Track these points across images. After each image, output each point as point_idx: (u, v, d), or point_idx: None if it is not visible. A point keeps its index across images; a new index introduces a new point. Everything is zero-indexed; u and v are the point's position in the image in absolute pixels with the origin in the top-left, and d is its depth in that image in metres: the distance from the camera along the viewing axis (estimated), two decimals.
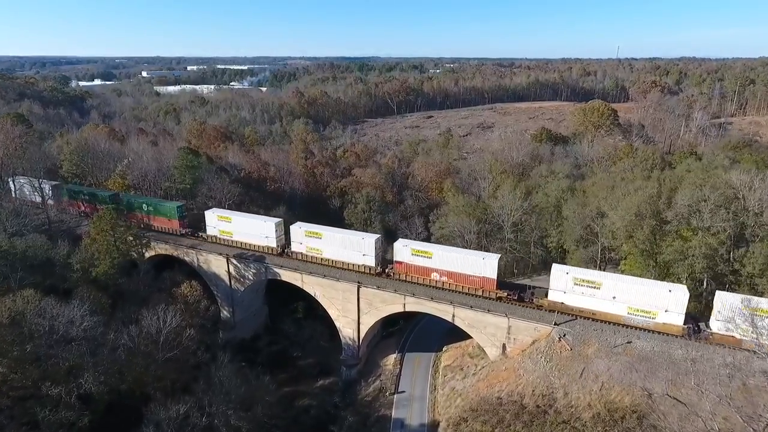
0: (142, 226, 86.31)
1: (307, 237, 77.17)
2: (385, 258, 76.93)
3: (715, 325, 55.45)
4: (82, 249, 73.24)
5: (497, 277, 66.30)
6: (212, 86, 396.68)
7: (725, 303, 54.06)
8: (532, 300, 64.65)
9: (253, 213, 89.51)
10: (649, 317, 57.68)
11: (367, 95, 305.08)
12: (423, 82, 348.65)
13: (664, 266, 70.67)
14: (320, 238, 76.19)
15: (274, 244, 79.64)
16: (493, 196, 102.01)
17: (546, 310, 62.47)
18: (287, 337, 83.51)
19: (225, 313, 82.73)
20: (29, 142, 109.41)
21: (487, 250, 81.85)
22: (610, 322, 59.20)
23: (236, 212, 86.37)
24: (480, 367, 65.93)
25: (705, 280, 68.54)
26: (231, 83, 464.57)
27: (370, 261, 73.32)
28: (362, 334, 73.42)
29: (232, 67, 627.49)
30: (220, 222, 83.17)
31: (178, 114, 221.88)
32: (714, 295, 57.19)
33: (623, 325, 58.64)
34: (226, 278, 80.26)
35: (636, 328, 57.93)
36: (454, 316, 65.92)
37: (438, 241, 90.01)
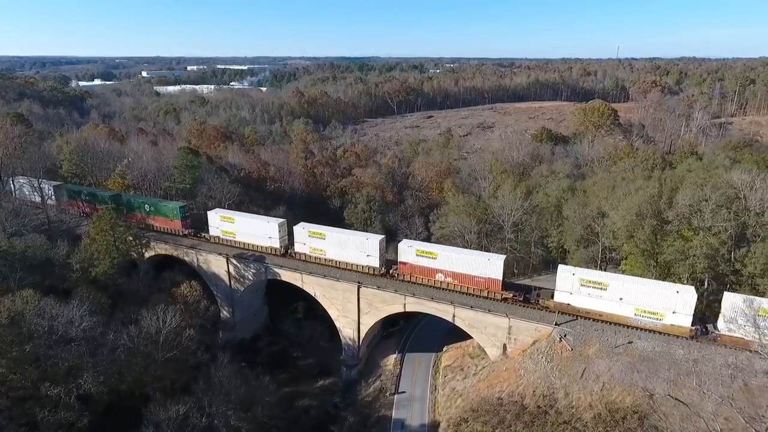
0: (142, 226, 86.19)
1: (310, 237, 76.71)
2: (387, 258, 76.58)
3: (723, 326, 54.77)
4: (81, 249, 73.03)
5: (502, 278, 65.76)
6: (212, 86, 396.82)
7: (734, 304, 53.32)
8: (538, 301, 63.98)
9: (252, 213, 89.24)
10: (657, 319, 57.07)
11: (367, 95, 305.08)
12: (423, 82, 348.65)
13: (665, 266, 70.39)
14: (323, 239, 75.71)
15: (277, 245, 79.27)
16: (494, 196, 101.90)
17: (552, 312, 61.83)
18: (287, 338, 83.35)
19: (225, 313, 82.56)
20: (29, 142, 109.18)
21: (488, 250, 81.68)
22: (616, 324, 58.65)
23: (239, 212, 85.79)
24: (480, 368, 65.75)
25: (706, 280, 68.28)
26: (231, 83, 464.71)
27: (374, 262, 72.88)
28: (362, 335, 73.23)
29: (232, 67, 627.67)
30: (222, 222, 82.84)
31: (178, 114, 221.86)
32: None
33: (624, 325, 58.34)
34: (225, 278, 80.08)
35: (641, 329, 57.42)
36: (454, 316, 65.72)
37: (438, 241, 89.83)
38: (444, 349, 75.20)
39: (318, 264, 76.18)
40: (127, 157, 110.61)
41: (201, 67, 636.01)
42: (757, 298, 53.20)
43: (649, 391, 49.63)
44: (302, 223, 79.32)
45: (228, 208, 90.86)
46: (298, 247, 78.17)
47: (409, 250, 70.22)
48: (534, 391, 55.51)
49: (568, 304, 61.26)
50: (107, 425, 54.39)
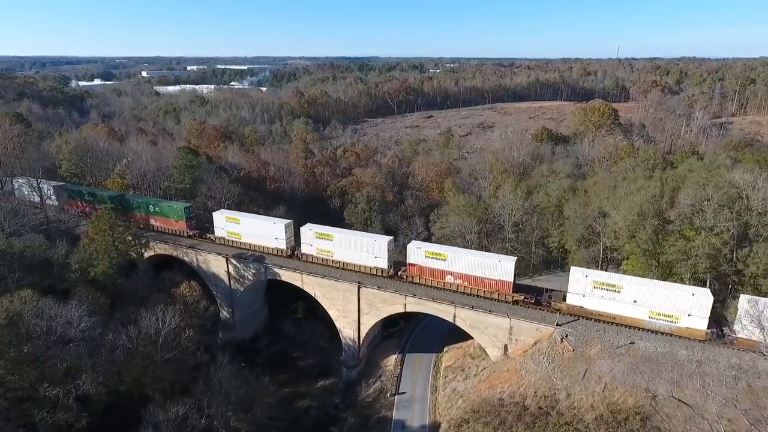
0: (146, 227, 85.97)
1: (317, 239, 75.92)
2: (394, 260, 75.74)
3: (739, 329, 53.82)
4: (80, 249, 72.73)
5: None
6: (212, 86, 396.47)
7: (753, 306, 52.57)
8: (550, 304, 63.10)
9: (252, 213, 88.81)
10: (672, 321, 56.30)
11: (367, 95, 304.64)
12: (423, 82, 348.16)
13: (666, 266, 70.09)
14: (331, 240, 74.95)
15: (283, 246, 78.59)
16: (494, 195, 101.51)
17: (564, 314, 60.99)
18: (287, 338, 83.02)
19: (224, 313, 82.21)
20: (28, 142, 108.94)
21: (488, 250, 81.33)
22: (630, 327, 57.85)
23: (245, 213, 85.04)
24: (481, 368, 65.41)
25: (708, 280, 67.94)
26: (231, 83, 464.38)
27: (383, 263, 72.12)
28: (363, 335, 72.88)
29: (232, 67, 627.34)
30: (228, 223, 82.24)
31: (177, 114, 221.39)
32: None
33: (629, 326, 57.91)
34: (225, 278, 79.72)
35: (653, 331, 56.66)
36: (455, 316, 65.35)
37: (439, 241, 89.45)
38: (445, 349, 74.88)
39: (326, 266, 75.24)
40: (127, 156, 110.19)
41: (201, 67, 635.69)
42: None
43: (651, 392, 49.30)
44: (309, 224, 78.50)
45: (228, 208, 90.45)
46: (305, 249, 77.45)
47: (418, 252, 69.37)
48: (535, 392, 55.17)
49: (581, 307, 60.44)
50: (106, 426, 54.15)
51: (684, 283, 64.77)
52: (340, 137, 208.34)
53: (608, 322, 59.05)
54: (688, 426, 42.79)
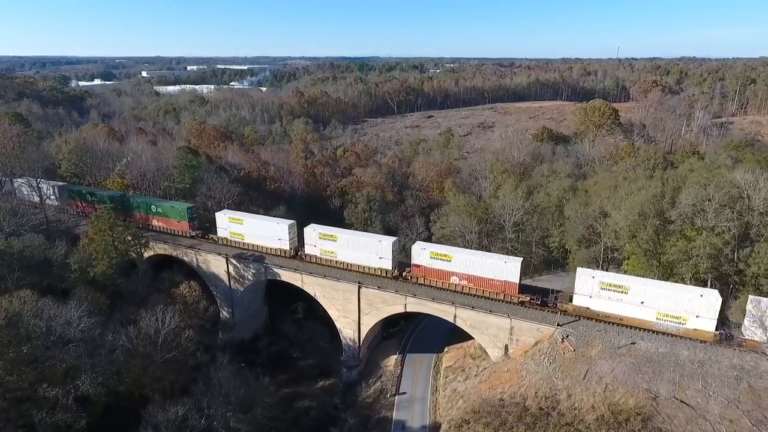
0: (148, 227, 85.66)
1: (321, 239, 75.41)
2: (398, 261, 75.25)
3: (748, 330, 53.29)
4: (80, 249, 72.54)
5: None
6: (212, 86, 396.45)
7: (756, 306, 52.23)
8: (556, 305, 62.71)
9: (252, 213, 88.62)
10: (679, 323, 55.79)
11: (367, 95, 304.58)
12: (423, 82, 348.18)
13: (667, 266, 69.91)
14: (335, 241, 74.43)
15: (287, 247, 78.21)
16: (494, 195, 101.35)
17: (572, 316, 60.60)
18: (287, 338, 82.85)
19: (224, 313, 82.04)
20: (27, 142, 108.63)
21: (489, 250, 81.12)
22: (639, 328, 57.40)
23: (248, 214, 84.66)
24: (482, 369, 65.23)
25: (709, 280, 67.82)
26: (231, 83, 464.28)
27: (387, 264, 71.62)
28: (363, 335, 72.71)
29: (232, 67, 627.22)
30: (231, 224, 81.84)
31: (177, 114, 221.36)
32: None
33: (628, 326, 57.73)
34: (225, 278, 79.55)
35: (665, 333, 56.09)
36: (455, 316, 65.17)
37: (439, 241, 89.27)
38: (445, 349, 74.70)
39: (329, 267, 74.82)
40: (127, 156, 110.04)
41: (201, 67, 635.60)
42: None
43: (653, 393, 49.13)
44: (312, 225, 78.04)
45: (228, 208, 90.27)
46: (308, 249, 77.01)
47: (423, 253, 68.82)
48: (536, 393, 54.99)
49: (588, 308, 60.04)
50: (105, 427, 53.97)
51: (685, 283, 64.59)
52: (340, 137, 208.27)
53: (613, 323, 58.66)
54: (689, 427, 42.62)
